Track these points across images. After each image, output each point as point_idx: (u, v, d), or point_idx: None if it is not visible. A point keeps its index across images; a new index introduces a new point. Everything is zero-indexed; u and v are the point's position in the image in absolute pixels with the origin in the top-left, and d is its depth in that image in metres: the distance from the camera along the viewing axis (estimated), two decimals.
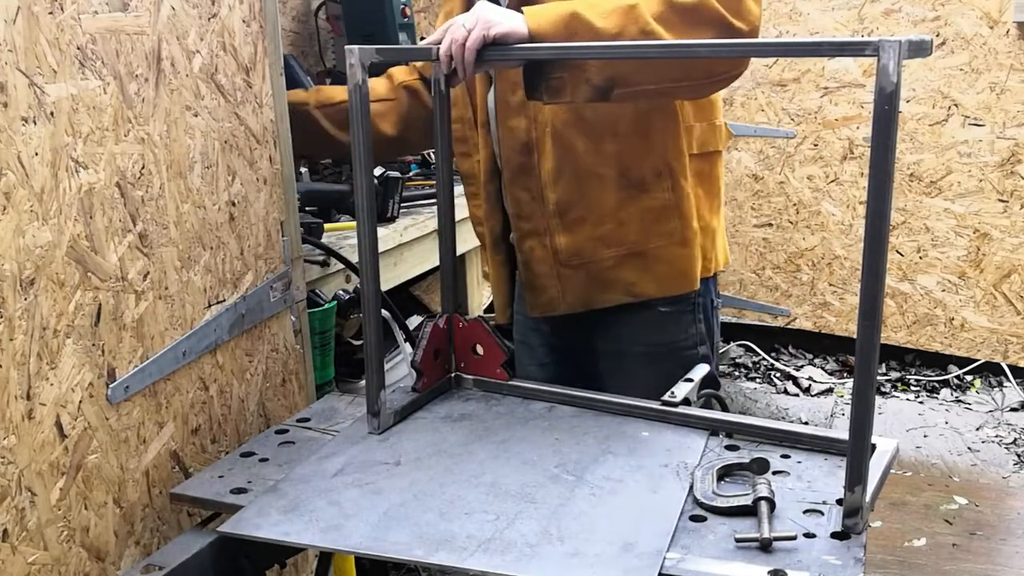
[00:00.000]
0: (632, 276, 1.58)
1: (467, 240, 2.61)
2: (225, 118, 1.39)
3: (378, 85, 1.82)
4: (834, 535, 1.03)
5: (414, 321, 2.52)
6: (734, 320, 4.14)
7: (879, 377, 3.90)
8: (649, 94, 1.43)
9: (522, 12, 1.34)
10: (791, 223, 3.82)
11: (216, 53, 1.36)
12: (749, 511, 1.07)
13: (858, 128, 3.56)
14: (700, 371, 1.42)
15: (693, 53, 1.28)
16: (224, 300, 1.41)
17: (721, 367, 4.14)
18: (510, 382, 1.44)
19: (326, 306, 1.77)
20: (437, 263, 1.52)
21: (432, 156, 2.60)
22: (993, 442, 3.46)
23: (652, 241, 1.56)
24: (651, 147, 1.54)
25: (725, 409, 1.39)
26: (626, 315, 1.61)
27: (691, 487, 1.13)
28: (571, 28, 1.31)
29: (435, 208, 1.54)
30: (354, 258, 1.81)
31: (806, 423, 3.59)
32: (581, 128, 1.53)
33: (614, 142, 1.53)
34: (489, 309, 3.03)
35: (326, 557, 1.43)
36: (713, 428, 1.29)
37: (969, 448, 3.41)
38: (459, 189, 2.53)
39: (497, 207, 1.68)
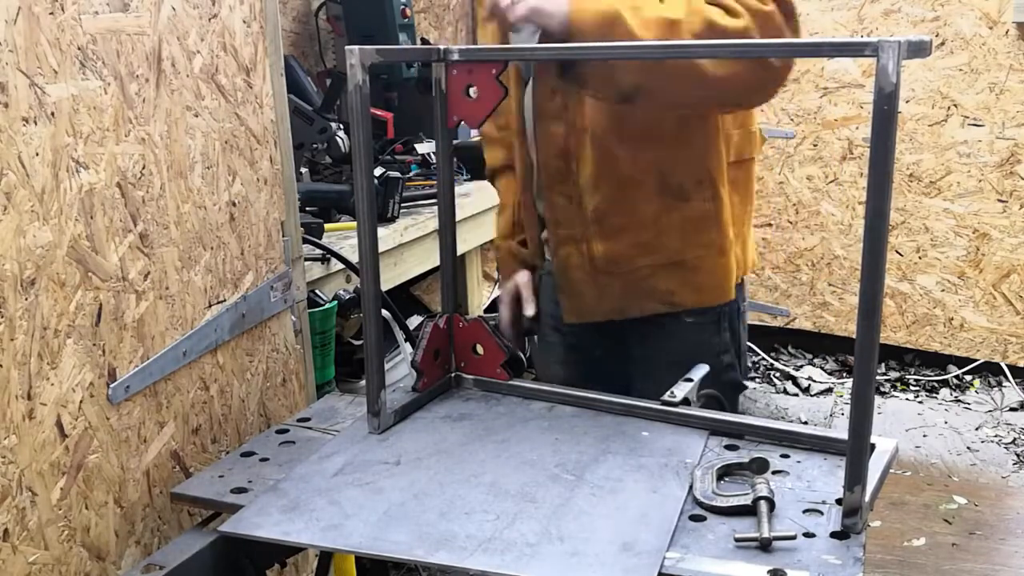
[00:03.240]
0: (671, 285, 1.56)
1: (467, 240, 2.62)
2: (226, 118, 1.39)
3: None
4: (833, 535, 1.03)
5: (414, 321, 2.52)
6: None
7: (878, 377, 3.90)
8: (675, 106, 1.43)
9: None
10: (791, 223, 3.82)
11: (217, 53, 1.37)
12: (749, 511, 1.07)
13: (857, 128, 3.57)
14: (700, 371, 1.42)
15: (688, 54, 1.29)
16: (224, 300, 1.41)
17: None
18: (510, 382, 1.44)
19: (326, 306, 1.77)
20: (437, 263, 1.52)
21: (433, 156, 2.60)
22: (992, 442, 3.46)
23: (691, 251, 1.55)
24: (692, 155, 1.52)
25: (724, 409, 1.39)
26: (652, 325, 1.60)
27: (691, 487, 1.13)
28: (610, 27, 1.31)
29: (435, 208, 1.54)
30: (354, 258, 1.82)
31: (805, 423, 3.59)
32: (620, 135, 1.51)
33: (654, 149, 1.51)
34: (490, 309, 3.03)
35: (326, 557, 1.43)
36: (713, 428, 1.29)
37: (968, 448, 3.41)
38: (462, 189, 2.54)
39: (534, 215, 1.67)
